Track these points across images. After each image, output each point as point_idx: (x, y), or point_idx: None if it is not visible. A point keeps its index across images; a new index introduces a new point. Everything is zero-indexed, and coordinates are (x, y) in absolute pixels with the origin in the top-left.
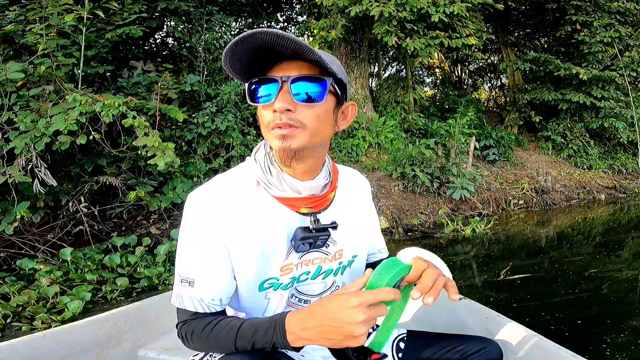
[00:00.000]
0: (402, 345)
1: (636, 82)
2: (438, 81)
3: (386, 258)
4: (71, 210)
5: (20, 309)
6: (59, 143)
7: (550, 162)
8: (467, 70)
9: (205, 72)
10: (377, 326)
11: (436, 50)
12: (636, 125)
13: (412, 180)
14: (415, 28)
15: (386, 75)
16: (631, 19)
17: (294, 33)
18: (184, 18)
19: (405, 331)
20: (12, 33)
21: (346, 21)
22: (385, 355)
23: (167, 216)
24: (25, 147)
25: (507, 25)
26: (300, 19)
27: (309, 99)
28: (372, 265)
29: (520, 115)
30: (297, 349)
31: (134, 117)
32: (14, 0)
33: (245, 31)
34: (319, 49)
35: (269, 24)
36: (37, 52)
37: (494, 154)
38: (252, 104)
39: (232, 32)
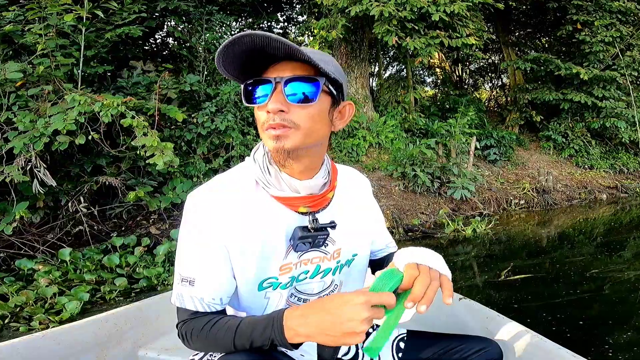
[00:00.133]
0: (402, 345)
1: (637, 82)
2: (439, 81)
3: (395, 252)
4: (71, 211)
5: (18, 310)
6: (58, 143)
7: (551, 162)
8: (467, 70)
9: (205, 72)
10: (377, 326)
11: (436, 49)
12: (637, 125)
13: (413, 180)
14: (416, 27)
15: (387, 75)
16: (632, 18)
17: (294, 33)
18: (183, 18)
19: (405, 331)
20: (11, 33)
21: (346, 21)
22: None
23: (167, 216)
24: (24, 147)
25: (508, 25)
26: (300, 18)
27: (302, 100)
28: (380, 260)
29: (521, 115)
30: (296, 347)
31: (133, 117)
32: (13, 0)
33: (244, 31)
34: (319, 48)
35: (269, 23)
36: (36, 52)
37: (494, 153)
38: (247, 105)
39: (233, 32)
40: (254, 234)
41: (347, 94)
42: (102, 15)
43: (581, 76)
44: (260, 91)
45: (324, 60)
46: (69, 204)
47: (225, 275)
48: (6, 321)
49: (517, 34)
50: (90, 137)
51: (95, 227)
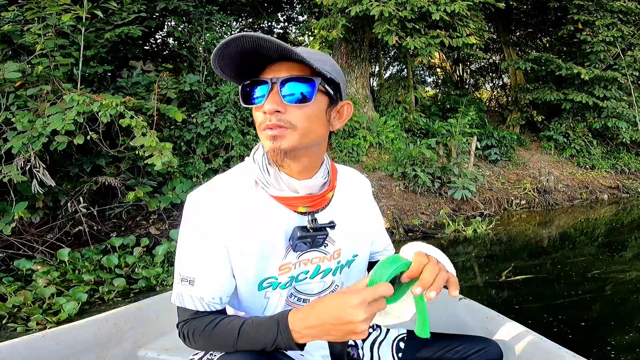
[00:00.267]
0: (402, 345)
1: (639, 82)
2: (439, 81)
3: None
4: (70, 211)
5: (16, 310)
6: (56, 143)
7: (552, 162)
8: (468, 70)
9: (205, 72)
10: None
11: (437, 49)
12: (639, 125)
13: (413, 180)
14: (416, 27)
15: (387, 75)
16: (633, 18)
17: (294, 33)
18: (183, 18)
19: (405, 331)
20: (10, 33)
21: (346, 21)
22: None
23: (167, 216)
24: (23, 147)
25: (509, 25)
26: (301, 18)
27: (298, 100)
28: (373, 264)
29: (522, 114)
30: (302, 347)
31: (132, 117)
32: (12, 0)
33: (247, 32)
34: (319, 48)
35: (269, 23)
36: (35, 52)
37: (495, 153)
38: (245, 105)
39: (233, 32)
40: (254, 234)
41: (345, 93)
42: (102, 15)
43: (582, 76)
44: (257, 92)
45: (320, 60)
46: (69, 204)
47: (225, 275)
48: (4, 322)
49: (517, 33)
50: (89, 137)
51: (95, 228)
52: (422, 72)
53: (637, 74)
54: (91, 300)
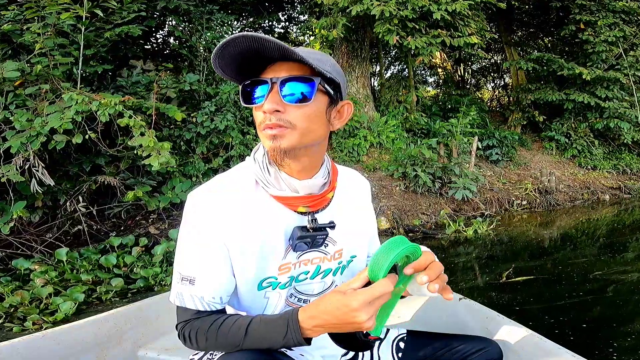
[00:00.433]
0: (401, 345)
1: None
2: (440, 81)
3: None
4: (69, 210)
5: (12, 310)
6: (55, 142)
7: (554, 162)
8: (470, 70)
9: (206, 72)
10: None
11: (438, 49)
12: None
13: (414, 181)
14: (417, 27)
15: (388, 74)
16: (636, 18)
17: (295, 32)
18: (184, 17)
19: (405, 331)
20: (9, 32)
21: (347, 20)
22: (381, 339)
23: (166, 216)
24: (21, 146)
25: (511, 25)
26: (302, 18)
27: (298, 99)
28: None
29: (524, 115)
30: (309, 342)
31: (130, 117)
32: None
33: (247, 31)
34: (319, 48)
35: (270, 23)
36: (34, 51)
37: (497, 154)
38: (246, 105)
39: (233, 32)
40: (254, 234)
41: (346, 93)
42: (102, 15)
43: (584, 76)
44: (257, 92)
45: (320, 60)
46: (68, 204)
47: (225, 275)
48: (0, 321)
49: (519, 33)
50: (87, 137)
51: (94, 227)
52: (423, 72)
53: None
54: (89, 300)
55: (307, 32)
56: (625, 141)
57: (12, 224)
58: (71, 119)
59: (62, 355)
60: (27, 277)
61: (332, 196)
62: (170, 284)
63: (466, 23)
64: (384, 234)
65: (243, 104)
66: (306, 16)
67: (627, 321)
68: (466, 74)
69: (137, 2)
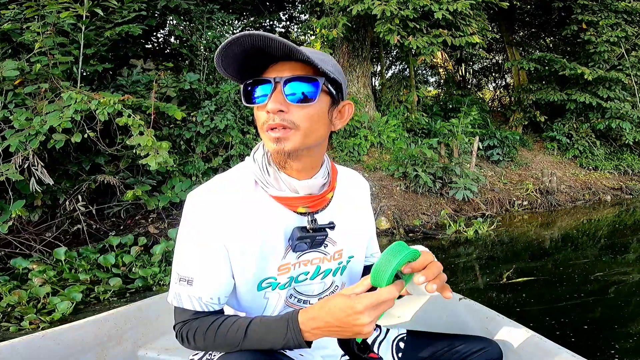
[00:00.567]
0: (401, 345)
1: None
2: (442, 81)
3: None
4: (68, 209)
5: (10, 309)
6: (54, 141)
7: (555, 163)
8: (471, 70)
9: (206, 71)
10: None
11: (439, 48)
12: None
13: (414, 181)
14: (418, 26)
15: (389, 74)
16: (638, 18)
17: (296, 32)
18: (184, 17)
19: (405, 331)
20: (9, 31)
21: (348, 20)
22: (381, 358)
23: (166, 215)
24: (21, 145)
25: (512, 25)
26: (303, 17)
27: (302, 99)
28: (365, 268)
29: (525, 115)
30: (309, 344)
31: (129, 116)
32: None
33: (248, 30)
34: (320, 47)
35: (271, 22)
36: (34, 50)
37: (498, 154)
38: (247, 105)
39: (234, 31)
40: (253, 234)
41: (346, 93)
42: (102, 14)
43: (585, 76)
44: (259, 91)
45: (323, 60)
46: (67, 203)
47: (224, 275)
48: None
49: (521, 33)
50: (86, 136)
51: (94, 226)
52: (424, 71)
53: None
54: (86, 300)
55: (308, 31)
56: (626, 142)
57: (10, 223)
58: (70, 118)
59: (62, 355)
60: (25, 276)
61: (332, 196)
62: (169, 284)
63: (468, 22)
64: (384, 234)
65: (245, 104)
66: (307, 15)
67: (628, 322)
68: (467, 74)
69: (137, 1)
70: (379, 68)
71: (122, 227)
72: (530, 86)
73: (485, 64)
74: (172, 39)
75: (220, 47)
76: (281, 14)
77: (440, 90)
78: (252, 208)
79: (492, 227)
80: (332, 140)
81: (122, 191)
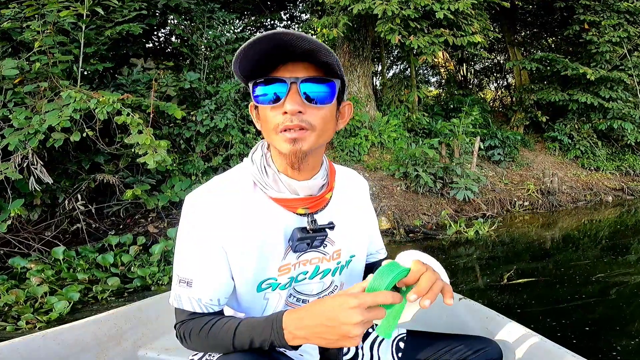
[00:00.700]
0: (401, 345)
1: None
2: (443, 81)
3: (385, 259)
4: (68, 208)
5: (7, 309)
6: (53, 140)
7: (556, 163)
8: (472, 70)
9: (207, 70)
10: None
11: (441, 48)
12: None
13: (415, 181)
14: (419, 26)
15: (390, 74)
16: None
17: (296, 31)
18: (185, 16)
19: (405, 331)
20: (9, 30)
21: (349, 19)
22: None
23: (165, 215)
24: (20, 144)
25: (514, 24)
26: (304, 17)
27: (319, 100)
28: (370, 266)
29: (527, 115)
30: (295, 348)
31: (128, 115)
32: None
33: (249, 29)
34: None
35: (272, 22)
36: (33, 48)
37: (499, 154)
38: (260, 105)
39: (236, 30)
40: (253, 235)
41: (347, 93)
42: (103, 13)
43: (588, 76)
44: (273, 91)
45: (337, 61)
46: (66, 202)
47: (223, 276)
48: None
49: (523, 33)
50: (84, 135)
51: (93, 225)
52: (425, 71)
53: None
54: (84, 300)
55: (309, 31)
56: (628, 142)
57: (9, 222)
58: (69, 117)
59: (62, 355)
60: (23, 275)
61: (331, 196)
62: (168, 283)
63: (469, 22)
64: (384, 234)
65: (255, 103)
66: (308, 15)
67: (630, 323)
68: (469, 73)
69: (138, 0)
70: (380, 68)
71: (121, 227)
72: (532, 86)
73: (486, 64)
74: (172, 38)
75: (248, 42)
76: (282, 13)
77: (441, 90)
78: (251, 209)
79: (493, 227)
80: (333, 140)
81: (122, 190)
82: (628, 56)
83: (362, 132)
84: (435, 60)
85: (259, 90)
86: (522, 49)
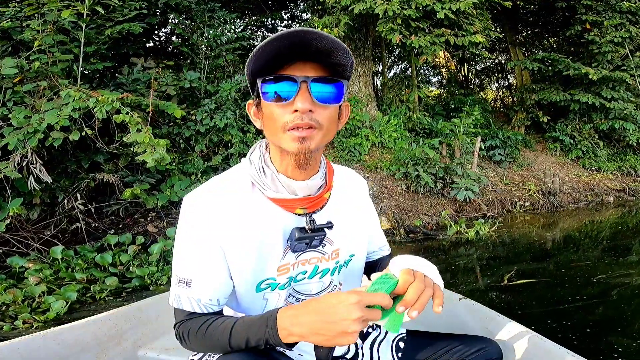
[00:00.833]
0: (401, 345)
1: None
2: (444, 80)
3: (388, 256)
4: (67, 208)
5: (4, 308)
6: (52, 139)
7: (557, 164)
8: (474, 70)
9: (207, 69)
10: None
11: (442, 48)
12: None
13: (415, 181)
14: (421, 26)
15: (391, 73)
16: None
17: (317, 30)
18: (185, 15)
19: (405, 331)
20: (9, 29)
21: (349, 19)
22: None
23: (165, 214)
24: (19, 143)
25: (515, 24)
26: (304, 16)
27: (327, 100)
28: (373, 263)
29: (528, 115)
30: (290, 346)
31: (127, 113)
32: None
33: (250, 29)
34: None
35: (273, 21)
36: (33, 48)
37: (500, 154)
38: (268, 102)
39: (236, 29)
40: (251, 235)
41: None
42: (103, 12)
43: (590, 76)
44: (282, 89)
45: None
46: (66, 201)
47: (222, 276)
48: None
49: (524, 33)
50: (83, 134)
51: (92, 225)
52: (426, 71)
53: None
54: (82, 299)
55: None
56: (630, 142)
57: (8, 221)
58: (68, 116)
59: (62, 355)
60: (22, 275)
61: (329, 196)
62: (166, 283)
63: (471, 22)
64: (384, 235)
65: (264, 100)
66: (309, 14)
67: (631, 325)
68: (470, 73)
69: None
70: (380, 67)
71: (121, 226)
72: (533, 86)
73: (488, 64)
74: (173, 38)
75: (270, 37)
76: (283, 12)
77: (442, 90)
78: (250, 209)
79: (494, 228)
80: (334, 140)
81: (121, 189)
82: (630, 56)
83: (363, 131)
84: (437, 60)
85: (268, 87)
86: (524, 48)
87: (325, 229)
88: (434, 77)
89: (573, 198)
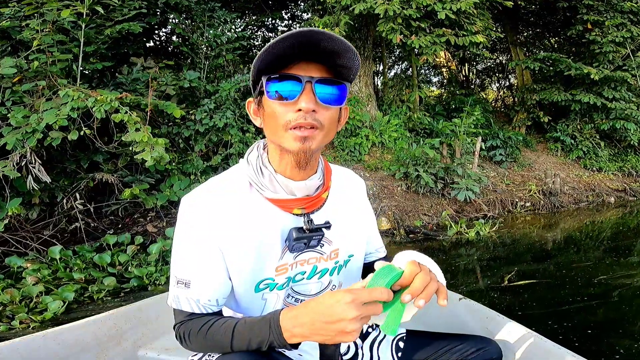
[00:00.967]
0: (401, 344)
1: None
2: (445, 80)
3: (385, 258)
4: (66, 207)
5: (1, 308)
6: (51, 139)
7: (558, 164)
8: (474, 70)
9: (207, 69)
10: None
11: (442, 48)
12: None
13: (416, 181)
14: (421, 26)
15: (392, 73)
16: None
17: (327, 31)
18: (185, 14)
19: (405, 331)
20: (9, 29)
21: (350, 19)
22: None
23: (164, 214)
24: (18, 142)
25: (517, 24)
26: (305, 16)
27: (330, 101)
28: (369, 265)
29: (529, 115)
30: (295, 347)
31: (126, 113)
32: None
33: (250, 28)
34: None
35: (273, 21)
36: (32, 47)
37: (500, 154)
38: (271, 100)
39: (236, 29)
40: (249, 235)
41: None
42: (103, 12)
43: (592, 76)
44: (287, 88)
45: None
46: (65, 201)
47: (221, 277)
48: None
49: (525, 33)
50: (82, 133)
51: (91, 225)
52: (427, 71)
53: None
54: (80, 300)
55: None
56: (631, 143)
57: (7, 221)
58: (67, 116)
59: (62, 355)
60: (20, 275)
61: (327, 196)
62: (165, 283)
63: (472, 22)
64: (384, 235)
65: (268, 98)
66: (309, 14)
67: (632, 326)
68: (471, 73)
69: None
70: (381, 67)
71: (120, 226)
72: (534, 86)
73: (489, 64)
74: (173, 38)
75: (281, 36)
76: (283, 12)
77: (443, 90)
78: (248, 209)
79: (494, 228)
80: (334, 140)
81: (121, 189)
82: (631, 56)
83: (363, 131)
84: (437, 60)
85: (272, 85)
86: (525, 49)
87: (324, 229)
88: (435, 77)
89: (574, 198)
